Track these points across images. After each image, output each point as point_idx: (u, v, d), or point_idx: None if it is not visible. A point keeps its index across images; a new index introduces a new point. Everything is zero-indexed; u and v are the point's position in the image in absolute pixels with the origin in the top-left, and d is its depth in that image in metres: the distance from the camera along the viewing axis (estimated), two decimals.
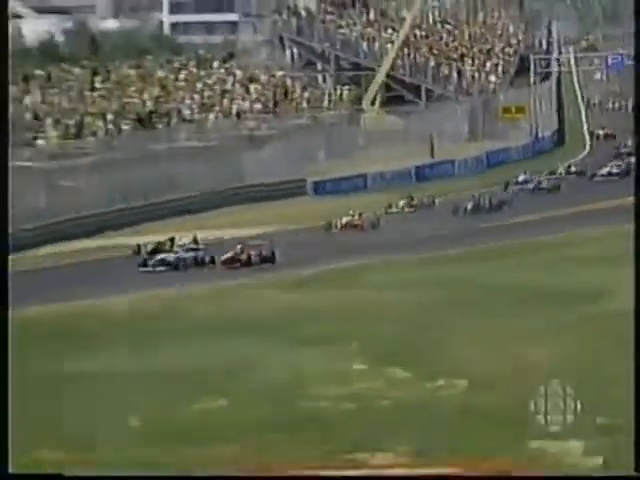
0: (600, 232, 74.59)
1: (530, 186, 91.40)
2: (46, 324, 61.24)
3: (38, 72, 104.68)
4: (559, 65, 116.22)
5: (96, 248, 79.36)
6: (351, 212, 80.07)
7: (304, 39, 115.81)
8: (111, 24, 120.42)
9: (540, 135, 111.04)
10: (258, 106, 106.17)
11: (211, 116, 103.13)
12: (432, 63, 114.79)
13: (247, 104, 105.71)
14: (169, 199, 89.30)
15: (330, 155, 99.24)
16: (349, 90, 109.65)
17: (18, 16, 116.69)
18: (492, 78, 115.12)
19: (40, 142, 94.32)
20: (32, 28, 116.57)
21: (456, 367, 47.81)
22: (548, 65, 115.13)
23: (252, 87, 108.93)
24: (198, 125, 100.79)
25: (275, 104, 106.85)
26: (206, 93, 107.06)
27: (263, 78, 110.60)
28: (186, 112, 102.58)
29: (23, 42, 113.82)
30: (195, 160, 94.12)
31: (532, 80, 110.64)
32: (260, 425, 41.86)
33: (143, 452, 39.02)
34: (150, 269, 67.30)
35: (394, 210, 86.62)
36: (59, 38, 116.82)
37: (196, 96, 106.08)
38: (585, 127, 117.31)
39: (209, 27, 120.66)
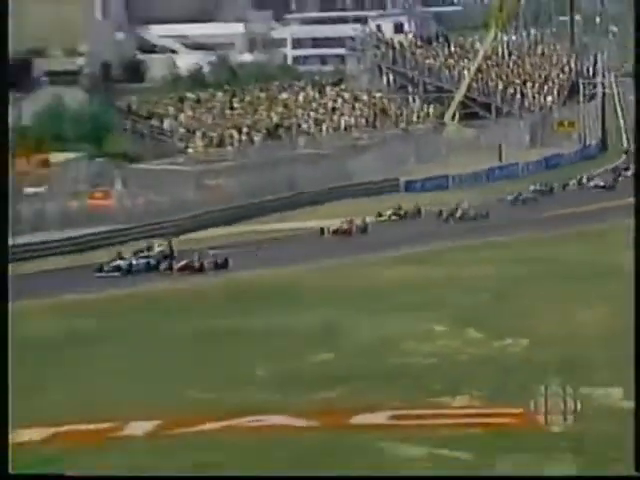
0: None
1: (509, 198, 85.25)
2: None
3: (189, 95, 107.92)
4: (603, 88, 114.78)
5: (235, 234, 77.65)
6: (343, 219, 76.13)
7: (398, 67, 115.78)
8: (246, 57, 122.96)
9: (587, 143, 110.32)
10: (361, 121, 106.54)
11: (324, 129, 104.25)
12: (500, 86, 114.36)
13: (352, 119, 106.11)
14: (289, 195, 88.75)
15: (419, 160, 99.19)
16: (434, 108, 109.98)
17: (173, 51, 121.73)
18: (549, 98, 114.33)
19: (190, 150, 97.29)
20: (185, 61, 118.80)
21: (520, 329, 47.02)
22: (594, 88, 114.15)
23: (357, 106, 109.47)
24: (313, 136, 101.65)
25: (375, 119, 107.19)
26: (320, 111, 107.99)
27: (365, 99, 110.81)
28: (304, 126, 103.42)
29: (177, 72, 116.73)
30: (311, 164, 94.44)
31: (581, 100, 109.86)
32: (360, 375, 41.73)
33: (266, 396, 39.15)
34: (104, 274, 63.33)
35: (382, 218, 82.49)
36: (205, 69, 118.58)
37: (312, 113, 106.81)
38: (624, 137, 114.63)
39: (323, 59, 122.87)
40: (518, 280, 59.11)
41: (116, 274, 62.78)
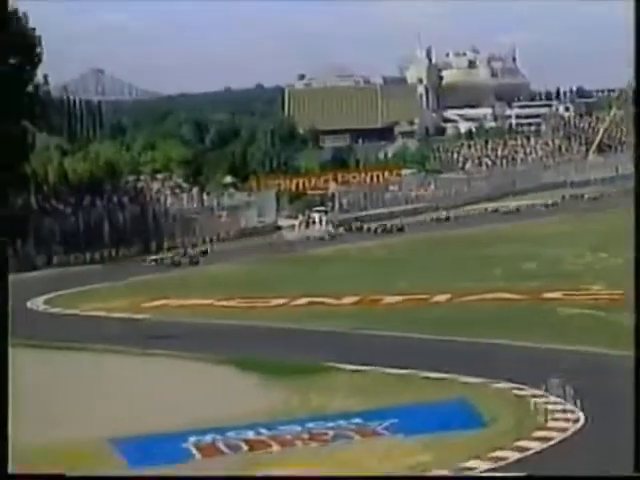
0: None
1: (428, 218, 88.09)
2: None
3: (465, 142, 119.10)
4: None
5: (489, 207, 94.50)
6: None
7: (565, 128, 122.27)
8: (492, 124, 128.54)
9: None
10: (547, 153, 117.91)
11: (529, 158, 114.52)
12: (615, 135, 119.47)
13: (541, 152, 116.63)
14: (512, 190, 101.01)
15: (577, 171, 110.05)
16: (584, 147, 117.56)
17: (456, 121, 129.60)
18: None
19: (466, 168, 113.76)
20: (463, 126, 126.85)
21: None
22: None
23: (545, 146, 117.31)
24: (524, 161, 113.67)
25: (553, 152, 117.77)
26: (527, 149, 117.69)
27: (550, 142, 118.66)
28: (522, 156, 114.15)
29: (459, 131, 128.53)
30: (523, 174, 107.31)
31: None
32: (555, 273, 56.51)
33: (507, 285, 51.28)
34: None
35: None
36: (473, 129, 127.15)
37: (527, 150, 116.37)
38: None
39: (529, 126, 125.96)
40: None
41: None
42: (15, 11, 73.91)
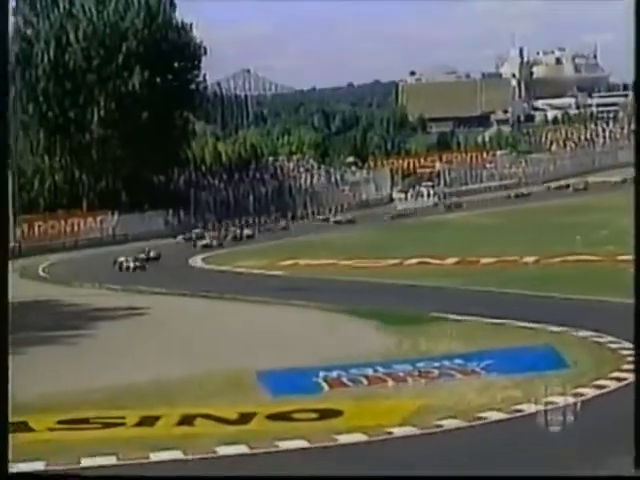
0: None
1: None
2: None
3: (551, 127, 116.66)
4: None
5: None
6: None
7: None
8: (574, 111, 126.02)
9: None
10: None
11: (600, 140, 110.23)
12: None
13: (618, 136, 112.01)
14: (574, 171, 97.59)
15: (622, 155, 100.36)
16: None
17: (544, 110, 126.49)
18: None
19: (552, 149, 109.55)
20: (550, 113, 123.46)
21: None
22: None
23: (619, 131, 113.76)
24: (593, 142, 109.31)
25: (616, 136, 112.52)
26: (609, 131, 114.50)
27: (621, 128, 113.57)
28: (596, 139, 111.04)
29: (546, 117, 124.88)
30: (584, 156, 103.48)
31: None
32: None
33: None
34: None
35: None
36: (558, 115, 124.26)
37: (600, 131, 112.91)
38: None
39: (608, 111, 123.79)
40: None
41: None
42: (181, 24, 76.22)
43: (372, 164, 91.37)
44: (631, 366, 27.57)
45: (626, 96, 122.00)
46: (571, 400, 25.05)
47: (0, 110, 15.63)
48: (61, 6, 70.34)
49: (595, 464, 19.46)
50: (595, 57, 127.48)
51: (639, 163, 17.63)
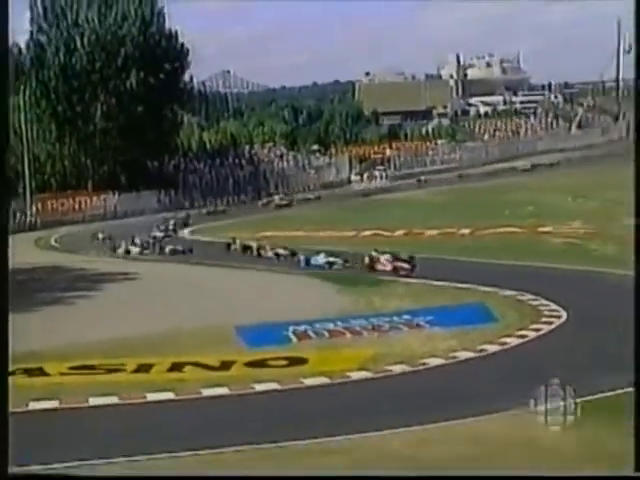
0: None
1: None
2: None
3: (482, 120, 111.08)
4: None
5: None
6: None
7: (554, 111, 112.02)
8: (502, 107, 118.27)
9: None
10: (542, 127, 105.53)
11: (522, 131, 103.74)
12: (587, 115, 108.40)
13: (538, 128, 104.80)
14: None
15: (564, 140, 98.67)
16: (567, 123, 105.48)
17: (476, 105, 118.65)
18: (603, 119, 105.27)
19: (484, 138, 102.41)
20: (482, 109, 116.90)
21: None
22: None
23: (540, 123, 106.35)
24: (517, 133, 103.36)
25: (547, 127, 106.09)
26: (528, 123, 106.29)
27: (542, 121, 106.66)
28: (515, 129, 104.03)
29: (479, 112, 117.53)
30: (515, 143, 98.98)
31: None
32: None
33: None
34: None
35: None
36: (488, 111, 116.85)
37: (523, 124, 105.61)
38: None
39: (528, 107, 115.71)
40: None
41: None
42: (170, 32, 75.44)
43: (333, 151, 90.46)
44: (547, 319, 28.63)
45: (543, 95, 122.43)
46: (498, 347, 25.44)
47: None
48: (69, 17, 70.76)
49: (514, 398, 19.67)
50: (518, 62, 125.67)
51: (639, 163, 16.55)
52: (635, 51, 15.08)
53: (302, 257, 38.20)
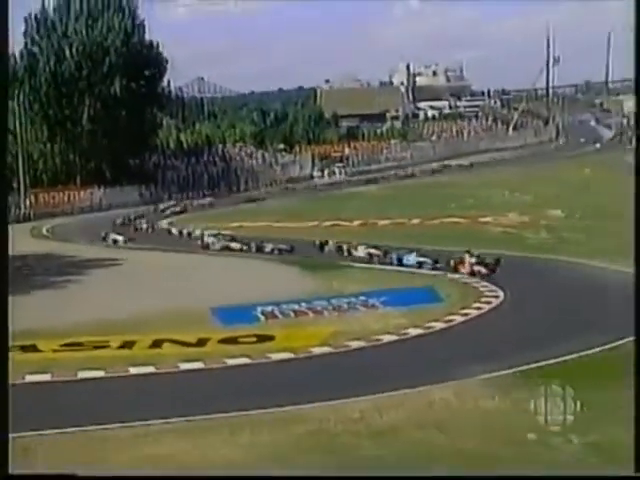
0: None
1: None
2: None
3: (426, 124, 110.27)
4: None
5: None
6: None
7: (491, 114, 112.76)
8: (447, 111, 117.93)
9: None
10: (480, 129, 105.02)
11: (465, 132, 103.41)
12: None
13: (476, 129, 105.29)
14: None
15: (502, 140, 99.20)
16: (504, 126, 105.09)
17: (425, 110, 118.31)
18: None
19: (431, 138, 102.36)
20: (429, 112, 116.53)
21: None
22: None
23: (478, 126, 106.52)
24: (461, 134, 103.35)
25: (484, 130, 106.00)
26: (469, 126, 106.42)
27: (482, 123, 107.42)
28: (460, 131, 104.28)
29: (427, 115, 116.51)
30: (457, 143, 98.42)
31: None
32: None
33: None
34: None
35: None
36: (435, 114, 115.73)
37: (466, 126, 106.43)
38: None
39: (470, 112, 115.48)
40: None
41: None
42: (150, 42, 75.03)
43: (298, 150, 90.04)
44: (487, 299, 28.78)
45: (484, 100, 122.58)
46: (444, 324, 25.67)
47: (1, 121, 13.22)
48: (59, 30, 70.31)
49: (456, 366, 20.23)
50: (461, 71, 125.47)
51: (639, 162, 15.45)
52: (635, 51, 14.31)
53: (394, 256, 36.29)
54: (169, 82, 78.91)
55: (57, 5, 70.64)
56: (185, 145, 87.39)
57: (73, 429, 17.43)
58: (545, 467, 14.58)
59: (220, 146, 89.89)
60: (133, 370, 22.09)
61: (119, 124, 70.03)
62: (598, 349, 21.00)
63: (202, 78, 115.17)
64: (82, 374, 21.69)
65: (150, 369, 22.16)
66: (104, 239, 47.93)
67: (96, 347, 24.36)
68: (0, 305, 13.48)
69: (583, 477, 13.59)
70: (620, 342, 20.51)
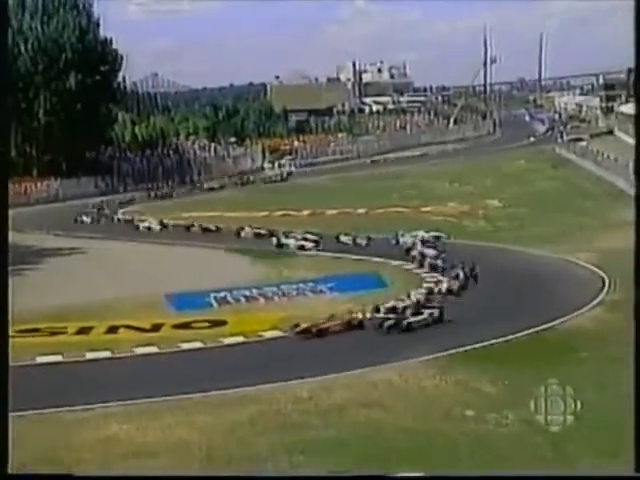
0: None
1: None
2: None
3: (373, 118, 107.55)
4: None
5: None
6: None
7: (434, 110, 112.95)
8: (391, 106, 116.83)
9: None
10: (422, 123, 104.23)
11: (409, 126, 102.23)
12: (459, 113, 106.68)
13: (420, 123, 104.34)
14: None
15: (442, 134, 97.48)
16: (446, 121, 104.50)
17: (370, 105, 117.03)
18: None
19: (376, 132, 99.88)
20: (377, 107, 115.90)
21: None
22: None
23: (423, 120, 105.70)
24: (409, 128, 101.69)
25: (427, 124, 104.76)
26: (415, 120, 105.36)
27: (424, 119, 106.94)
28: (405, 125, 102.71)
29: (372, 110, 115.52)
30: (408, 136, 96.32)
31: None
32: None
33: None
34: None
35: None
36: (380, 109, 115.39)
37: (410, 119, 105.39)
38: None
39: (418, 106, 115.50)
40: None
41: None
42: (105, 39, 73.92)
43: (249, 143, 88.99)
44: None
45: (425, 96, 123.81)
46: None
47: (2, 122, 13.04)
48: (14, 25, 67.62)
49: (401, 348, 20.66)
50: (404, 68, 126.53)
51: (639, 158, 14.28)
52: (635, 51, 13.37)
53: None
54: (124, 77, 77.96)
55: (12, 2, 68.63)
56: (140, 138, 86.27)
57: (31, 412, 17.42)
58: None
59: (174, 139, 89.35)
60: (90, 355, 22.01)
61: (75, 118, 68.71)
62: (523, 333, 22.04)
63: (156, 74, 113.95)
64: (40, 359, 21.62)
65: (106, 354, 22.11)
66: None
67: (53, 333, 24.15)
68: (0, 304, 12.88)
69: (583, 477, 13.19)
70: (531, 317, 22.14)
